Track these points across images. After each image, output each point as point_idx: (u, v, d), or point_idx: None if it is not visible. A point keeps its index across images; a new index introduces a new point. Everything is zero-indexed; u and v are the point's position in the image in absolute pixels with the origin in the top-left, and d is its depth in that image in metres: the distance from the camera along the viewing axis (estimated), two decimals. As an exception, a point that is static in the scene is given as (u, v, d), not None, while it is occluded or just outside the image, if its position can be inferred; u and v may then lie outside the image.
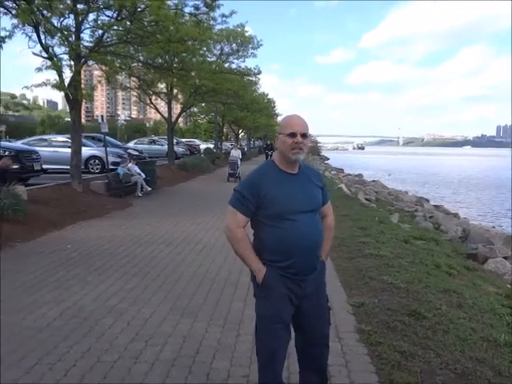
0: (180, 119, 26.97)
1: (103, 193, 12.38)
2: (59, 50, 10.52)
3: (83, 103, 11.88)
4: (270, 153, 29.55)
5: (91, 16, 10.99)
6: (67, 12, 10.16)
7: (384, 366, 3.29)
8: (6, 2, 9.55)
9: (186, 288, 5.11)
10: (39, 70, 10.00)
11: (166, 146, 25.65)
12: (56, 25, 10.11)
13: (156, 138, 37.74)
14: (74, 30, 10.63)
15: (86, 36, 11.60)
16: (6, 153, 11.52)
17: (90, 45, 11.29)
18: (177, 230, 8.53)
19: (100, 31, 10.96)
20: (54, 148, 17.16)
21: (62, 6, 9.86)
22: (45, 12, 9.61)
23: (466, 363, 3.38)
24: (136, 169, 14.05)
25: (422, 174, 50.17)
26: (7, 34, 9.76)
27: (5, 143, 16.39)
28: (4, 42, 9.49)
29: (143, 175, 14.05)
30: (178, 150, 29.22)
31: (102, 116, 14.59)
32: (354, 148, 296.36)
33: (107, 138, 16.57)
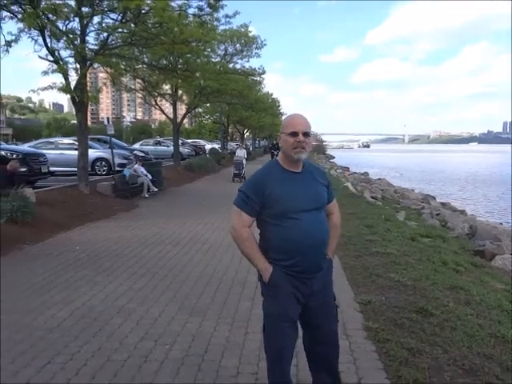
0: (185, 120, 27.04)
1: (110, 194, 12.45)
2: (65, 54, 10.64)
3: (89, 105, 11.95)
4: (275, 152, 28.87)
5: (96, 19, 11.10)
6: (72, 15, 10.25)
7: (392, 362, 3.30)
8: (12, 7, 9.64)
9: (194, 288, 5.15)
10: (45, 73, 10.11)
11: (171, 147, 25.74)
12: (61, 28, 10.21)
13: (161, 139, 37.87)
14: (79, 33, 10.72)
15: (91, 39, 11.73)
16: (14, 156, 11.63)
17: (95, 47, 11.38)
18: (183, 231, 8.57)
19: (105, 34, 11.05)
20: (61, 150, 17.30)
21: (66, 10, 9.94)
22: (50, 16, 9.68)
23: (473, 359, 3.39)
24: (142, 170, 14.13)
25: (428, 172, 49.98)
26: (13, 38, 9.89)
27: (12, 146, 16.56)
28: (10, 46, 9.62)
29: (150, 176, 14.12)
30: (184, 150, 29.29)
31: (107, 118, 14.66)
32: (359, 146, 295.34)
33: (113, 139, 16.66)
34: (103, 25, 11.05)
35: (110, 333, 3.90)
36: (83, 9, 10.55)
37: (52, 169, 13.85)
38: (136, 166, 14.32)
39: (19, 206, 7.96)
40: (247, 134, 56.40)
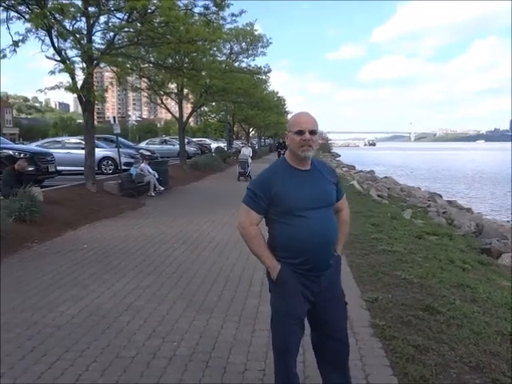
0: (191, 119, 27.10)
1: (116, 193, 12.53)
2: (71, 53, 10.70)
3: (95, 105, 12.02)
4: (282, 151, 28.42)
5: (102, 18, 11.15)
6: (79, 15, 10.30)
7: (398, 359, 3.32)
8: (20, 7, 9.72)
9: (201, 285, 5.18)
10: (52, 73, 10.17)
11: (177, 146, 25.82)
12: (68, 28, 10.27)
13: (167, 137, 37.96)
14: (85, 32, 10.78)
15: (98, 38, 11.77)
16: (22, 155, 11.72)
17: (102, 47, 11.44)
18: (190, 229, 8.61)
19: (111, 33, 11.10)
20: (68, 150, 17.40)
21: (73, 9, 10.00)
22: (57, 16, 9.75)
23: (480, 356, 3.40)
24: (149, 169, 14.18)
25: (435, 170, 49.79)
26: (20, 38, 9.95)
27: (20, 146, 16.67)
28: (18, 46, 9.68)
29: (156, 175, 14.18)
30: (190, 149, 29.37)
31: (114, 117, 14.73)
32: (365, 144, 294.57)
33: (119, 138, 16.73)
34: (109, 24, 11.12)
35: (119, 330, 3.94)
36: (90, 8, 10.62)
37: (59, 168, 13.93)
38: (142, 164, 14.38)
39: (27, 204, 8.03)
40: (253, 132, 56.41)
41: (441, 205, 18.52)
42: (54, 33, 9.99)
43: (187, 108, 28.62)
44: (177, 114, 22.84)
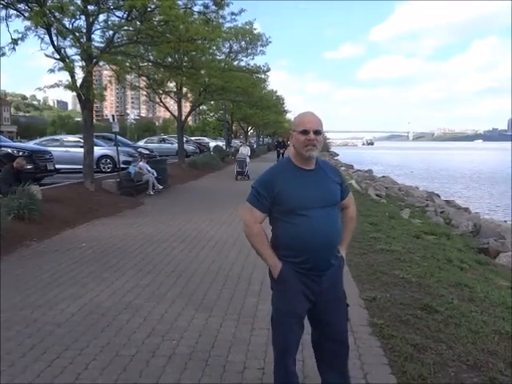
0: (189, 117, 27.07)
1: (115, 192, 12.52)
2: (71, 51, 10.70)
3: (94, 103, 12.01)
4: (281, 151, 27.75)
5: (101, 17, 11.14)
6: (78, 13, 10.29)
7: (397, 358, 3.34)
8: (19, 5, 9.70)
9: (200, 284, 5.19)
10: (52, 71, 10.17)
11: (175, 145, 25.80)
12: (67, 26, 10.26)
13: (166, 136, 37.92)
14: (85, 31, 10.77)
15: (97, 37, 11.77)
16: (20, 153, 11.71)
17: (101, 45, 11.43)
18: (189, 228, 8.62)
19: (111, 32, 11.08)
20: (66, 148, 17.39)
21: (73, 8, 9.98)
22: (56, 14, 9.73)
23: (477, 355, 3.42)
24: (147, 167, 14.18)
25: (433, 169, 49.85)
26: (20, 36, 9.94)
27: (19, 144, 16.66)
28: (17, 44, 9.66)
29: (155, 173, 14.18)
30: (188, 148, 29.34)
31: (113, 116, 14.70)
32: (363, 144, 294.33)
33: (118, 137, 16.72)
34: (109, 23, 11.11)
35: (118, 328, 3.95)
36: (89, 7, 10.61)
37: (57, 166, 13.92)
38: (141, 163, 14.37)
39: (26, 203, 8.02)
40: (251, 131, 56.39)
41: (439, 204, 18.57)
42: (53, 31, 9.99)
43: (185, 107, 28.62)
44: (175, 113, 22.83)
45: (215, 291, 4.95)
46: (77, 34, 10.33)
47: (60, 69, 10.03)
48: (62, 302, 4.58)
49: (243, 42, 23.47)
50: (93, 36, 11.16)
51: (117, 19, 11.18)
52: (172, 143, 29.84)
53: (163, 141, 32.33)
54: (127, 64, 13.69)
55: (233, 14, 15.19)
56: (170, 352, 3.50)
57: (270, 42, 23.73)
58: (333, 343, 2.55)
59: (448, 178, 38.28)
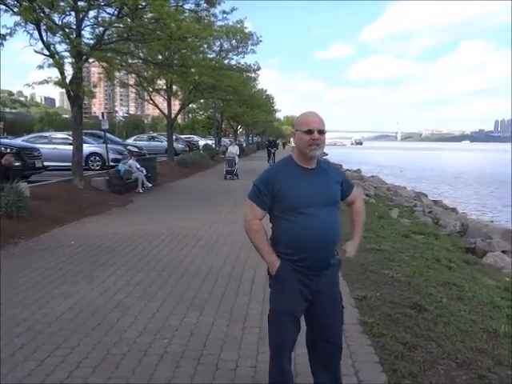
0: (178, 115, 26.95)
1: (104, 189, 12.46)
2: (60, 48, 10.59)
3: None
4: (272, 150, 27.41)
5: (92, 13, 11.04)
6: (68, 9, 10.19)
7: (387, 356, 3.37)
8: (8, 0, 9.58)
9: (191, 282, 5.19)
10: (41, 67, 10.06)
11: (165, 143, 25.67)
12: (57, 22, 10.15)
13: (155, 134, 37.73)
14: (75, 27, 10.67)
15: (87, 33, 11.66)
16: (8, 150, 11.57)
17: (91, 42, 11.32)
18: (179, 226, 8.59)
19: (101, 29, 10.99)
20: (54, 145, 17.21)
21: (63, 4, 9.88)
22: (46, 10, 9.63)
23: (466, 353, 3.48)
24: (137, 165, 14.12)
25: (421, 169, 50.26)
26: (8, 31, 9.82)
27: (6, 141, 16.45)
28: (5, 40, 9.55)
29: (144, 171, 14.12)
30: (178, 146, 29.20)
31: (102, 113, 14.59)
32: (352, 143, 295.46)
33: (107, 134, 16.60)
34: (99, 19, 11.00)
35: (109, 327, 3.93)
36: (79, 3, 10.51)
37: (46, 163, 13.78)
38: (131, 161, 14.30)
39: (14, 200, 7.95)
40: (240, 130, 56.35)
41: (426, 204, 18.75)
42: (42, 27, 9.87)
43: (175, 105, 28.51)
44: (165, 111, 22.73)
45: (206, 290, 4.95)
46: (66, 30, 10.23)
47: (49, 65, 9.93)
48: (52, 301, 4.55)
49: (234, 41, 23.41)
50: (83, 32, 11.08)
51: (107, 16, 11.10)
52: (161, 141, 29.67)
53: (152, 139, 32.14)
54: (117, 61, 13.58)
55: (224, 12, 15.16)
56: (162, 350, 3.49)
57: (260, 40, 23.69)
58: (327, 344, 2.56)
59: (436, 178, 38.62)
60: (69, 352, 3.45)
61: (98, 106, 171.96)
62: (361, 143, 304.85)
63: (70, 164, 12.39)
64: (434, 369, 3.24)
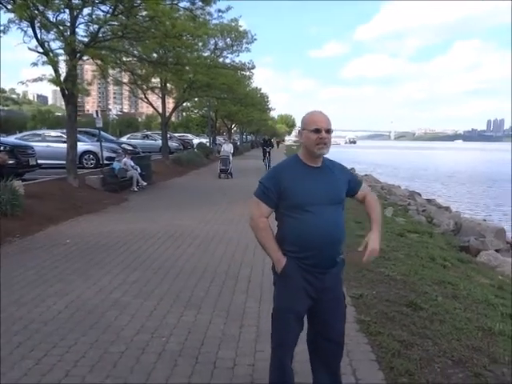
0: (172, 114, 26.87)
1: (99, 188, 12.40)
2: (55, 45, 10.53)
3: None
4: (268, 149, 27.06)
5: (86, 11, 10.98)
6: (63, 6, 10.13)
7: (384, 354, 3.39)
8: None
9: (188, 281, 5.19)
10: (35, 64, 10.00)
11: (159, 141, 25.60)
12: (51, 20, 10.09)
13: (149, 132, 37.59)
14: (69, 24, 10.60)
15: (81, 31, 11.60)
16: (2, 148, 11.49)
17: (85, 39, 11.27)
18: (174, 224, 8.58)
19: (95, 26, 10.94)
20: (48, 143, 17.12)
21: (57, 1, 9.82)
22: (40, 7, 9.57)
23: (462, 351, 3.51)
24: (131, 163, 14.08)
25: (414, 168, 50.47)
26: (1, 28, 9.76)
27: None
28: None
29: (139, 170, 14.09)
30: (172, 144, 29.14)
31: (96, 111, 14.51)
32: (345, 142, 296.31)
33: (101, 132, 16.53)
34: (93, 17, 10.94)
35: (106, 325, 3.93)
36: (74, 0, 10.44)
37: (39, 161, 13.69)
38: (125, 159, 14.26)
39: (8, 198, 7.91)
40: (235, 128, 56.28)
41: (420, 203, 18.83)
42: (37, 24, 9.80)
43: (169, 103, 28.42)
44: (159, 109, 22.65)
45: (203, 288, 4.95)
46: (61, 28, 10.17)
47: (44, 63, 9.88)
48: (48, 299, 4.54)
49: (229, 39, 23.38)
50: (77, 30, 11.02)
51: (102, 14, 11.05)
52: (155, 139, 29.59)
53: (146, 137, 32.04)
54: (111, 59, 13.52)
55: (220, 11, 15.15)
56: (160, 349, 3.50)
57: (255, 39, 23.68)
58: (329, 343, 2.57)
59: (429, 177, 38.80)
60: (66, 351, 3.45)
61: (91, 104, 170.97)
62: (354, 142, 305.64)
63: (64, 162, 12.32)
64: (431, 366, 3.26)
